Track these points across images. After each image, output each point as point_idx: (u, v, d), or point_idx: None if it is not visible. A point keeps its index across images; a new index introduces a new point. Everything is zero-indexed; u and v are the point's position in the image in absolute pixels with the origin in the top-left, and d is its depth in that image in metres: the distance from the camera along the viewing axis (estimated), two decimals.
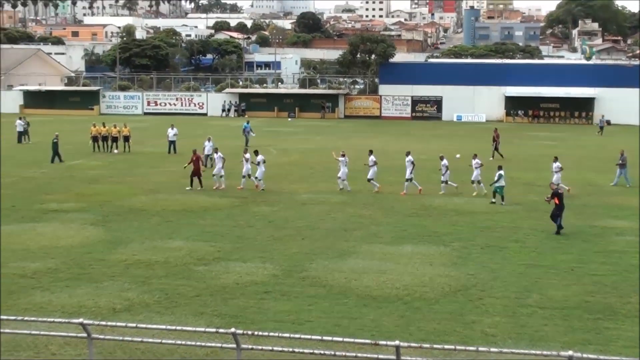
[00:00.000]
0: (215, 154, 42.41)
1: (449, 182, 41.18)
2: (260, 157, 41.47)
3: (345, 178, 41.48)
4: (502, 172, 38.16)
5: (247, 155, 41.92)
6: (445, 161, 41.28)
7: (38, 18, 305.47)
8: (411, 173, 40.95)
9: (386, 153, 57.16)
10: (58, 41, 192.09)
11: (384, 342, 13.46)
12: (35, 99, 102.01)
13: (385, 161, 48.77)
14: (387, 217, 34.67)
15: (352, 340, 14.10)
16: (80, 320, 14.42)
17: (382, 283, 24.04)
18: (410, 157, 41.13)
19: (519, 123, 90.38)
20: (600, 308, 21.83)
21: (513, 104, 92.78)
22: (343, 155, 41.79)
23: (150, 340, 15.20)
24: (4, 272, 25.21)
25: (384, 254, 27.90)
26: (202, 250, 28.28)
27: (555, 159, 41.68)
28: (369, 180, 41.43)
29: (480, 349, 13.31)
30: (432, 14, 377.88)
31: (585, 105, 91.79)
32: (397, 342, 13.00)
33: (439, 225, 32.88)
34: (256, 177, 41.46)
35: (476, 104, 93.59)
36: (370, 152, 42.26)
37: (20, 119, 67.84)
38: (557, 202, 31.37)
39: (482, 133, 75.15)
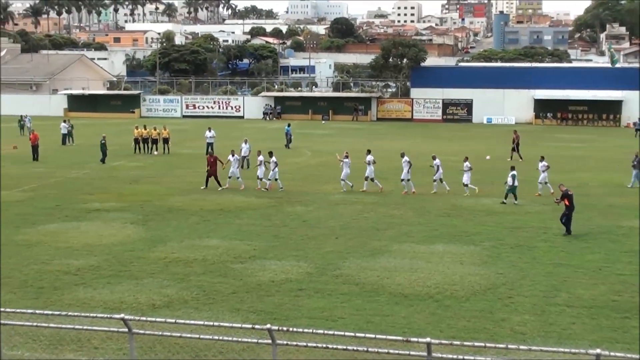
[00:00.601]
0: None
1: (443, 182, 41.15)
2: (273, 159, 41.69)
3: (345, 179, 41.61)
4: (514, 172, 37.98)
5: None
6: (437, 160, 41.17)
7: (82, 25, 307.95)
8: (408, 173, 40.91)
9: (417, 155, 56.99)
10: (101, 47, 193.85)
11: (415, 339, 13.40)
12: (78, 103, 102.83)
13: (417, 162, 48.56)
14: (418, 217, 34.57)
15: (384, 337, 14.05)
16: (122, 315, 14.49)
17: (413, 281, 23.97)
18: (406, 158, 41.03)
19: (547, 125, 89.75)
20: (627, 307, 21.61)
21: (542, 107, 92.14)
22: (347, 157, 41.78)
23: (189, 335, 15.24)
24: (49, 268, 25.43)
25: (415, 252, 27.82)
26: (239, 248, 28.34)
27: (542, 159, 41.38)
28: (370, 179, 41.39)
29: (509, 346, 13.21)
30: (463, 19, 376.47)
31: (612, 108, 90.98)
32: (428, 339, 12.95)
33: (469, 225, 32.73)
34: (269, 179, 41.60)
35: (506, 107, 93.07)
36: (368, 151, 42.07)
37: (64, 121, 68.41)
38: (567, 203, 30.98)
39: (511, 135, 74.70)
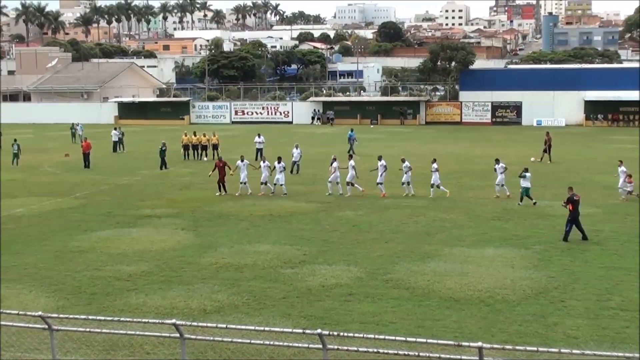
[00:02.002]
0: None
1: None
2: (281, 164, 41.82)
3: (336, 180, 41.67)
4: (527, 173, 37.87)
5: (335, 164, 41.95)
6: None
7: (131, 33, 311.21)
8: (407, 177, 40.92)
9: (467, 158, 56.73)
10: (150, 55, 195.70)
11: (466, 344, 13.32)
12: (129, 110, 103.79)
13: (466, 166, 48.43)
14: (468, 220, 34.36)
15: (435, 341, 13.98)
16: (173, 321, 14.59)
17: (464, 285, 23.83)
18: (407, 163, 41.03)
19: (598, 127, 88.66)
20: None
21: (592, 108, 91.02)
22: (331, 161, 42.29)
23: (240, 340, 15.29)
24: (102, 275, 25.69)
25: (466, 256, 27.66)
26: (289, 253, 28.39)
27: (497, 161, 40.93)
28: (350, 183, 41.33)
29: (562, 350, 13.07)
30: (511, 21, 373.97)
31: None
32: (479, 344, 12.85)
33: (520, 229, 32.45)
34: (274, 184, 41.74)
35: (556, 109, 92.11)
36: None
37: (115, 129, 69.11)
38: (570, 208, 30.45)
39: (560, 137, 74.06)
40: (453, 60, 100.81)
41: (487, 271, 25.53)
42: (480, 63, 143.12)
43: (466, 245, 29.45)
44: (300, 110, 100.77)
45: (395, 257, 27.74)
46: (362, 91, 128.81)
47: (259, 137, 58.56)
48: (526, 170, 38.18)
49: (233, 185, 42.31)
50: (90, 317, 15.85)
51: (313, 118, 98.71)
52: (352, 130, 64.78)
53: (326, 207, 37.90)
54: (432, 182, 40.72)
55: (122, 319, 15.95)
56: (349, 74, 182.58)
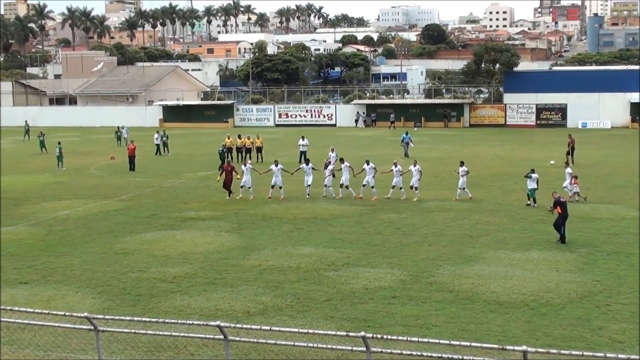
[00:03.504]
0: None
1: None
2: (279, 167, 41.75)
3: (330, 184, 41.63)
4: (533, 174, 37.91)
5: (280, 166, 41.99)
6: (464, 167, 40.64)
7: (176, 37, 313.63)
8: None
9: (511, 161, 56.36)
10: (194, 58, 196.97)
11: (511, 347, 13.23)
12: (173, 113, 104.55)
13: (510, 168, 48.13)
14: (512, 223, 34.13)
15: (479, 344, 13.91)
16: (217, 322, 14.66)
17: (508, 289, 23.68)
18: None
19: None
20: None
21: (639, 110, 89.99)
22: (342, 161, 42.29)
23: (284, 342, 15.33)
24: (147, 276, 25.90)
25: (510, 260, 27.48)
26: (332, 256, 28.41)
27: (462, 164, 40.70)
28: (345, 186, 41.30)
29: (607, 355, 12.93)
30: (556, 22, 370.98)
31: None
32: (524, 347, 12.77)
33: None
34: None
35: (601, 111, 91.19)
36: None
37: (157, 132, 69.41)
38: (559, 211, 30.15)
39: (605, 140, 73.44)
40: (497, 62, 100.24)
41: (532, 274, 25.35)
42: (525, 65, 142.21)
43: (510, 249, 29.26)
44: (344, 113, 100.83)
45: (439, 260, 27.65)
46: (405, 94, 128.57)
47: (303, 139, 58.66)
48: (532, 171, 38.21)
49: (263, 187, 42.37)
50: (135, 318, 16.00)
51: (357, 120, 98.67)
52: (407, 133, 64.41)
53: (369, 210, 37.87)
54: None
55: (166, 320, 16.04)
56: (393, 76, 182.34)
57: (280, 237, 32.10)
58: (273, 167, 42.05)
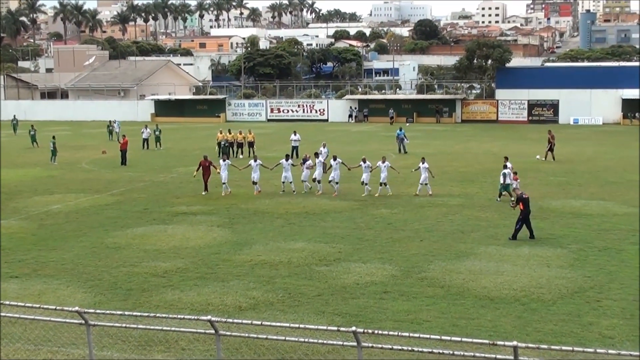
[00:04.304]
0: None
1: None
2: (258, 162, 41.95)
3: (306, 178, 41.99)
4: (505, 170, 38.35)
5: (259, 161, 42.24)
6: (368, 162, 40.92)
7: (168, 31, 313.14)
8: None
9: (503, 157, 56.37)
10: (186, 52, 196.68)
11: (501, 343, 13.26)
12: (165, 108, 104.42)
13: (502, 164, 48.15)
14: (504, 219, 34.15)
15: (470, 340, 13.93)
16: (209, 317, 14.66)
17: (499, 284, 23.72)
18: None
19: (636, 125, 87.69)
20: None
21: (630, 107, 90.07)
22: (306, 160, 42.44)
23: (275, 337, 15.34)
24: (138, 271, 25.89)
25: (501, 255, 27.53)
26: (324, 251, 28.43)
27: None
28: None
29: (598, 350, 12.98)
30: (548, 19, 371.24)
31: None
32: (514, 343, 12.80)
33: (556, 228, 32.23)
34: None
35: (593, 107, 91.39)
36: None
37: (146, 126, 69.14)
38: (522, 207, 30.19)
39: (597, 136, 73.68)
40: (489, 58, 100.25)
41: (523, 270, 25.40)
42: (517, 61, 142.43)
43: (501, 244, 29.32)
44: (336, 108, 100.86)
45: (430, 255, 27.69)
46: (397, 89, 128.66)
47: (295, 134, 58.80)
48: (505, 167, 38.74)
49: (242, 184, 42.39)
50: (126, 312, 15.96)
51: (350, 116, 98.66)
52: (401, 129, 63.98)
53: (361, 205, 37.89)
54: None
55: (157, 315, 16.03)
56: (385, 72, 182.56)
57: (272, 232, 32.11)
58: (252, 162, 42.18)
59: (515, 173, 39.14)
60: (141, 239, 30.88)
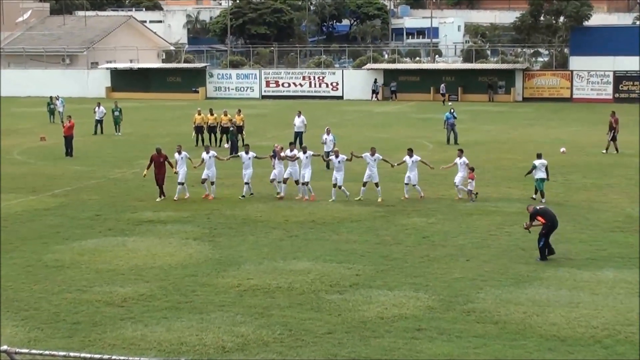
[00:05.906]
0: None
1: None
2: (251, 154, 41.87)
3: (280, 178, 41.80)
4: (537, 162, 39.17)
5: (253, 154, 42.12)
6: (377, 155, 40.93)
7: None
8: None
9: (579, 148, 56.34)
10: (154, 6, 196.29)
11: None
12: (125, 80, 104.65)
13: (577, 158, 48.18)
14: (579, 231, 34.13)
15: None
16: None
17: (573, 320, 23.71)
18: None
19: None
20: None
21: None
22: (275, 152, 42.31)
23: None
24: (87, 298, 25.92)
25: (575, 280, 27.52)
26: (336, 273, 28.45)
27: (410, 152, 40.95)
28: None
29: None
30: None
31: None
32: None
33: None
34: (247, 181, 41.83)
35: None
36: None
37: (99, 105, 68.71)
38: (543, 220, 30.16)
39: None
40: (561, 14, 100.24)
41: (605, 301, 25.38)
42: (599, 18, 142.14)
43: (576, 266, 29.30)
44: (354, 81, 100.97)
45: (480, 280, 27.69)
46: (437, 56, 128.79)
47: (299, 116, 57.93)
48: (539, 156, 39.60)
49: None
50: (71, 354, 15.99)
51: (374, 91, 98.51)
52: (451, 111, 62.47)
53: (386, 212, 37.90)
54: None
55: (114, 357, 16.08)
56: (420, 32, 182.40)
57: (267, 247, 32.13)
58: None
59: (472, 169, 39.37)
60: (92, 256, 30.91)
